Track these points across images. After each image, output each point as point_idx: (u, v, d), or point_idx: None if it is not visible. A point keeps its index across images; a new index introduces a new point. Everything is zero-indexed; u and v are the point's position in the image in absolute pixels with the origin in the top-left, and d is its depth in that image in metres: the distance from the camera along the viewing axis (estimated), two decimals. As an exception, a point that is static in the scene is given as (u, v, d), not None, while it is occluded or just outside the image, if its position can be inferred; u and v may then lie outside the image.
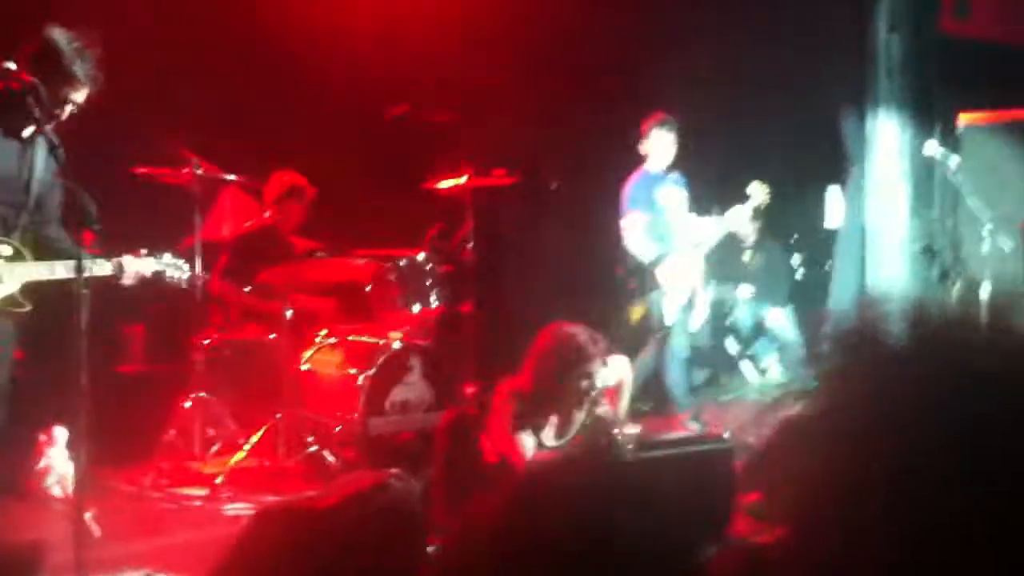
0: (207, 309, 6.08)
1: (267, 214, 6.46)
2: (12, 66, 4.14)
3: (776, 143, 8.62)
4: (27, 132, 4.30)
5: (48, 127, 4.19)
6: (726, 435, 5.76)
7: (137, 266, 4.74)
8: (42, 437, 5.35)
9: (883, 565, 1.02)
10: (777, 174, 8.63)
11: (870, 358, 1.15)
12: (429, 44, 7.32)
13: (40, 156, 4.39)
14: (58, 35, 4.31)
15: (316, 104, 7.28)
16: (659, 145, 6.94)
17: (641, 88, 7.98)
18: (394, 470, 2.20)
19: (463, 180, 6.52)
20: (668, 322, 6.95)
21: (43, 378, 5.41)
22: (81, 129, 4.45)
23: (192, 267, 5.54)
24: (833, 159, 8.44)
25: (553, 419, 4.66)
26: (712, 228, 7.13)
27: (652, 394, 7.16)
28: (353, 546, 1.71)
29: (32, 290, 4.48)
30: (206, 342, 5.99)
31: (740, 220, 7.32)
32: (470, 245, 6.59)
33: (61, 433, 5.29)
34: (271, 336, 6.09)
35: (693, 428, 6.83)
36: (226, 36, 6.99)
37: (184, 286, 5.12)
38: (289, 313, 5.95)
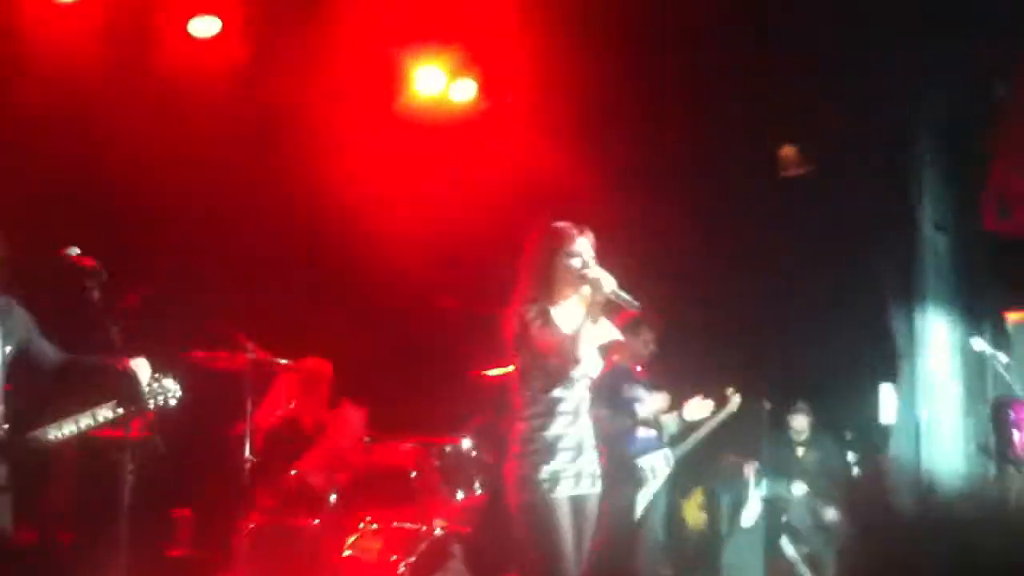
0: (254, 493, 6.15)
1: (291, 404, 6.59)
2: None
3: (828, 340, 8.69)
4: None
5: None
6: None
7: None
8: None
9: None
10: (830, 370, 8.70)
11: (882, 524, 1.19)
12: (473, 246, 7.65)
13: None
14: None
15: (366, 296, 7.54)
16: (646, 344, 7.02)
17: (687, 286, 8.21)
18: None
19: (510, 369, 6.61)
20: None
21: (89, 553, 5.50)
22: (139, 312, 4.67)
23: (240, 450, 5.68)
24: (885, 356, 8.44)
25: (561, 302, 4.67)
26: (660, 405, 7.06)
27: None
28: None
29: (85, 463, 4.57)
30: (251, 526, 6.03)
31: (696, 412, 7.24)
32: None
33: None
34: (315, 521, 6.12)
35: None
36: (286, 227, 7.35)
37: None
38: (333, 497, 6.01)
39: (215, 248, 7.10)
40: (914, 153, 7.83)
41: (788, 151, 9.15)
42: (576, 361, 4.56)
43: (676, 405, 7.26)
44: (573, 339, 4.53)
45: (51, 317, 4.69)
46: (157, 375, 4.59)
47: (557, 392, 4.62)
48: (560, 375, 4.61)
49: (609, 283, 4.59)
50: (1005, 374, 7.02)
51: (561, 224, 4.74)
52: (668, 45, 7.81)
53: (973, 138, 7.38)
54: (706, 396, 7.41)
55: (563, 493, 4.56)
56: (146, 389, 4.56)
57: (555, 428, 4.60)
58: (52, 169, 6.72)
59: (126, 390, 4.47)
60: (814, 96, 7.96)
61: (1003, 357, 6.99)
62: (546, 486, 4.52)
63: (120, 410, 4.48)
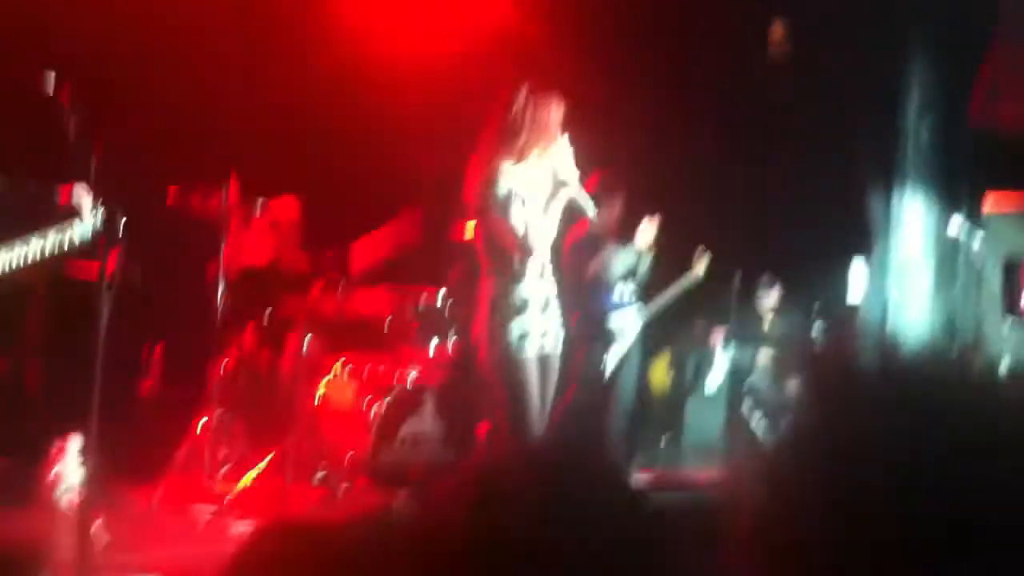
0: (227, 332, 6.18)
1: (267, 246, 6.57)
2: None
3: (803, 214, 8.72)
4: None
5: None
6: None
7: None
8: (56, 444, 5.44)
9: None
10: (802, 243, 8.75)
11: (840, 379, 1.20)
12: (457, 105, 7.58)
13: None
14: None
15: (353, 140, 7.46)
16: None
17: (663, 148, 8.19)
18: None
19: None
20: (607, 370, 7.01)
21: (58, 387, 5.53)
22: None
23: (217, 293, 5.70)
24: (859, 234, 8.49)
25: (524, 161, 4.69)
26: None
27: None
28: (352, 564, 1.74)
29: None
30: (224, 363, 6.09)
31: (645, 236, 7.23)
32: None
33: (75, 444, 5.37)
34: (287, 364, 6.20)
35: None
36: (274, 68, 7.23)
37: None
38: (307, 340, 6.06)
39: (201, 87, 6.95)
40: (905, 32, 7.72)
41: (776, 27, 9.00)
42: (530, 254, 4.65)
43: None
44: (526, 236, 4.60)
45: (15, 143, 4.59)
46: (105, 205, 4.42)
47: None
48: (517, 263, 4.67)
49: (572, 177, 4.68)
50: (976, 260, 7.10)
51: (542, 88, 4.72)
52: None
53: (969, 22, 7.27)
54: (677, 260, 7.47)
55: (531, 351, 4.67)
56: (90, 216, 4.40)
57: (521, 287, 4.68)
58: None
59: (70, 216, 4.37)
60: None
61: (978, 236, 7.04)
62: (514, 344, 4.63)
63: (65, 235, 4.37)
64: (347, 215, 6.93)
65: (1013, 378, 1.19)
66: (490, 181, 4.62)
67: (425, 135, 7.24)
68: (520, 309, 4.65)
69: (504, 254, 4.68)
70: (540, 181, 4.73)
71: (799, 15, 8.44)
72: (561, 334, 4.86)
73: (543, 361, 4.75)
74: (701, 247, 7.54)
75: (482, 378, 4.97)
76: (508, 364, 4.66)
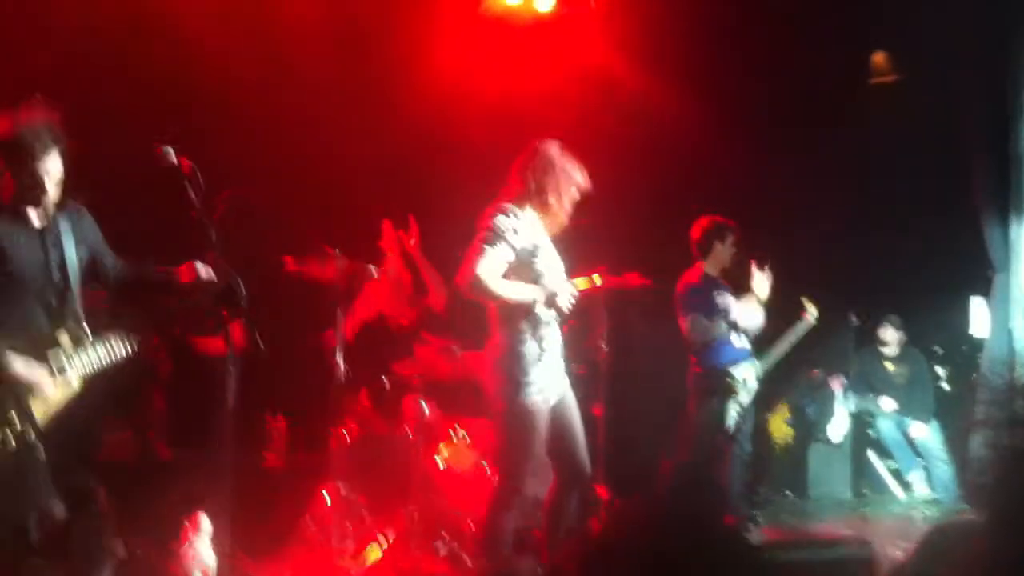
0: (347, 400, 6.21)
1: (380, 310, 6.64)
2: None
3: (920, 252, 8.52)
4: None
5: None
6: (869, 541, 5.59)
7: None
8: (186, 523, 5.49)
9: None
10: (921, 283, 8.53)
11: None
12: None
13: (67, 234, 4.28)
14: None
15: (450, 200, 7.54)
16: (721, 250, 6.91)
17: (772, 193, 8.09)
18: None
19: (597, 281, 6.58)
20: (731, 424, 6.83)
21: (189, 462, 5.60)
22: (234, 220, 4.67)
23: (332, 358, 5.75)
24: (977, 268, 8.24)
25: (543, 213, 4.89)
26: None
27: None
28: None
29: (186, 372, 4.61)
30: (345, 434, 6.11)
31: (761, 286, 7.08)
32: (603, 346, 6.60)
33: (206, 521, 5.41)
34: (408, 430, 6.18)
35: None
36: (374, 135, 7.38)
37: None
38: (425, 406, 6.05)
39: (305, 157, 7.12)
40: (1016, 59, 7.53)
41: (879, 57, 8.89)
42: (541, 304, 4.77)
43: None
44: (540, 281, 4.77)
45: (144, 218, 4.69)
46: (227, 279, 4.48)
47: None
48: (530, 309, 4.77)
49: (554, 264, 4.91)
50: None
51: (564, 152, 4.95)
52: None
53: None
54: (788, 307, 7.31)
55: (546, 399, 4.77)
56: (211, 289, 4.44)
57: (535, 336, 4.76)
58: (145, 72, 6.76)
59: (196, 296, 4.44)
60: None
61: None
62: (530, 392, 4.69)
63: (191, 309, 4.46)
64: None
65: None
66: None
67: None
68: (535, 358, 4.77)
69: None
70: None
71: (905, 41, 8.33)
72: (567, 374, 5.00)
73: (558, 403, 4.88)
74: (807, 296, 7.36)
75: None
76: (524, 413, 4.72)
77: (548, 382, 4.81)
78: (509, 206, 4.82)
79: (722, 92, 8.24)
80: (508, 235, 4.71)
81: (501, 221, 4.73)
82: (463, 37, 7.93)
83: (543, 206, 4.91)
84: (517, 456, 4.79)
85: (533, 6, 8.05)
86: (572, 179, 4.96)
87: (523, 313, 4.76)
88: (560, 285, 4.88)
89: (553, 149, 4.95)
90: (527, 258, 4.79)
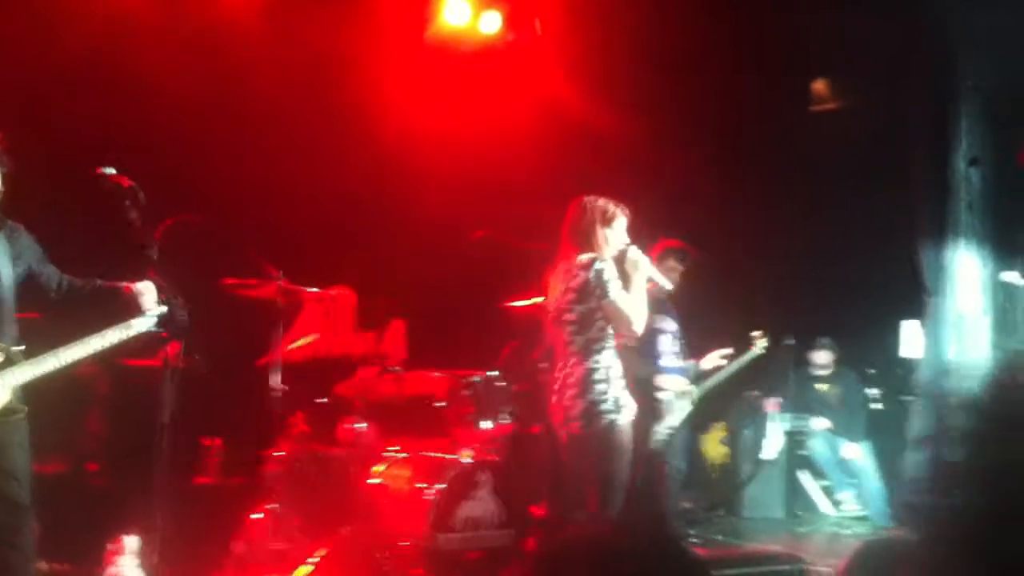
0: (284, 422, 6.15)
1: (318, 333, 6.58)
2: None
3: (855, 276, 8.65)
4: None
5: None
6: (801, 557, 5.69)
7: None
8: (109, 546, 5.38)
9: None
10: (856, 306, 8.67)
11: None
12: (502, 177, 7.65)
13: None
14: None
15: (397, 227, 7.54)
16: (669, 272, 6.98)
17: (714, 221, 8.17)
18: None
19: (540, 300, 6.60)
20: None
21: (118, 485, 5.49)
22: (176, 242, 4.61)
23: (271, 378, 5.68)
24: (911, 292, 8.39)
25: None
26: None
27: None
28: None
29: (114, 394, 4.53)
30: (281, 454, 6.04)
31: (712, 363, 7.24)
32: (544, 365, 6.61)
33: (132, 542, 5.31)
34: (344, 450, 6.14)
35: None
36: (319, 160, 7.33)
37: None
38: (363, 426, 6.02)
39: (250, 179, 7.06)
40: (951, 87, 7.69)
41: (820, 85, 9.04)
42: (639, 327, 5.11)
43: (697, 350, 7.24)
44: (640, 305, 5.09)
45: (86, 237, 4.62)
46: (166, 298, 4.44)
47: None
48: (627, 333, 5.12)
49: (647, 265, 5.23)
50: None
51: (602, 201, 5.23)
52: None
53: (1012, 73, 7.23)
54: (732, 336, 7.39)
55: (625, 419, 5.08)
56: (153, 311, 4.41)
57: (610, 364, 5.09)
58: (91, 93, 6.66)
59: (134, 312, 4.38)
60: (848, 30, 7.84)
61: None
62: (612, 414, 5.02)
63: (130, 330, 4.38)
64: (399, 300, 6.93)
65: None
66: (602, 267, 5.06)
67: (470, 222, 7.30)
68: (610, 381, 5.07)
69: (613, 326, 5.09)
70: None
71: (843, 69, 8.47)
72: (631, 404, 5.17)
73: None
74: (760, 332, 7.45)
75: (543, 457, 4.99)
76: (609, 434, 5.02)
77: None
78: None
79: (664, 118, 8.32)
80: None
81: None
82: (409, 64, 7.92)
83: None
84: None
85: (478, 29, 8.07)
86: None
87: None
88: None
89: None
90: None
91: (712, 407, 8.13)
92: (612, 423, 5.02)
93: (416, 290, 7.10)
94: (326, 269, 6.56)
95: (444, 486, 5.93)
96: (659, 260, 6.95)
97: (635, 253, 5.19)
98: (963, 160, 7.62)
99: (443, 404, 6.42)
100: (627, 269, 5.17)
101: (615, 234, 5.20)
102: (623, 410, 5.08)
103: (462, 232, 6.74)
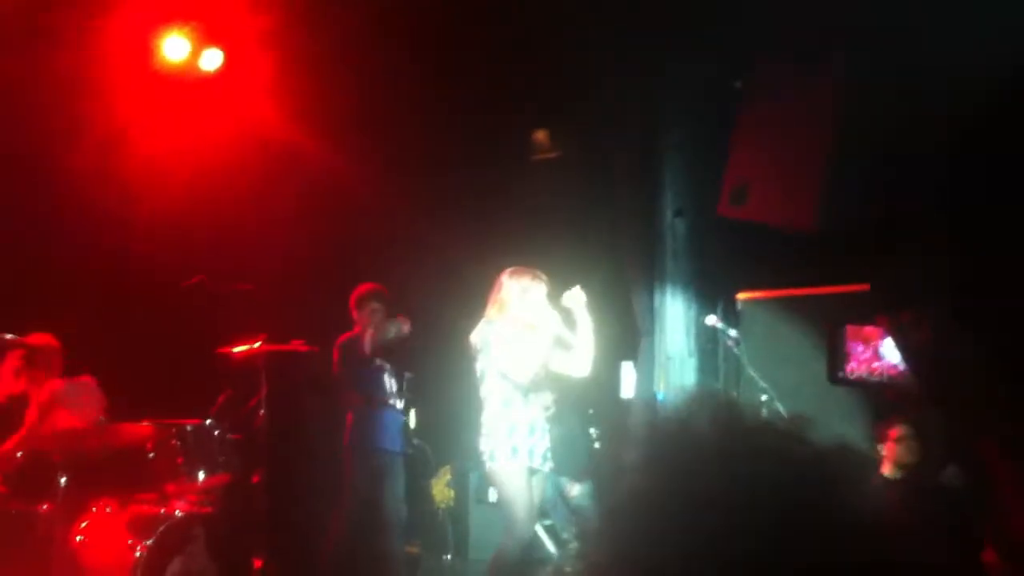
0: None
1: (19, 381, 6.23)
2: None
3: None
4: None
5: None
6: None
7: None
8: None
9: None
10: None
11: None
12: (215, 222, 7.51)
13: None
14: None
15: (106, 273, 7.24)
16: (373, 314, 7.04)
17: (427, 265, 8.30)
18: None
19: (256, 346, 6.49)
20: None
21: None
22: None
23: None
24: (627, 335, 8.78)
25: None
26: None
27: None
28: None
29: None
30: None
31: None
32: (262, 412, 6.49)
33: None
34: (44, 506, 5.79)
35: None
36: (28, 203, 6.96)
37: None
38: (64, 480, 5.69)
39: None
40: (657, 144, 8.16)
41: (540, 134, 9.37)
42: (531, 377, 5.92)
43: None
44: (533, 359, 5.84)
45: None
46: None
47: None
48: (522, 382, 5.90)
49: (556, 324, 6.00)
50: (734, 347, 7.48)
51: (526, 272, 6.06)
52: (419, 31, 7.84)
53: (713, 130, 7.74)
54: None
55: (523, 463, 5.86)
56: None
57: (511, 410, 5.90)
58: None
59: None
60: (565, 84, 8.20)
61: (732, 332, 7.43)
62: (510, 456, 5.82)
63: None
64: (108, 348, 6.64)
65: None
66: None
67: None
68: (513, 429, 5.87)
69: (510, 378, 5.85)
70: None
71: (563, 119, 8.80)
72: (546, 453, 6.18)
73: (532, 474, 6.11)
74: None
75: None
76: (504, 474, 5.90)
77: None
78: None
79: (389, 159, 8.40)
80: None
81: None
82: (137, 94, 7.65)
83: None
84: None
85: (198, 66, 7.89)
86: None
87: None
88: None
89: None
90: None
91: (438, 450, 8.20)
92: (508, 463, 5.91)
93: (123, 338, 6.82)
94: (29, 318, 6.22)
95: (153, 542, 5.69)
96: (358, 305, 6.98)
97: (546, 314, 5.97)
98: (669, 211, 8.09)
99: (151, 455, 6.16)
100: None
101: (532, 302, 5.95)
102: (518, 454, 5.91)
103: (175, 277, 6.57)
